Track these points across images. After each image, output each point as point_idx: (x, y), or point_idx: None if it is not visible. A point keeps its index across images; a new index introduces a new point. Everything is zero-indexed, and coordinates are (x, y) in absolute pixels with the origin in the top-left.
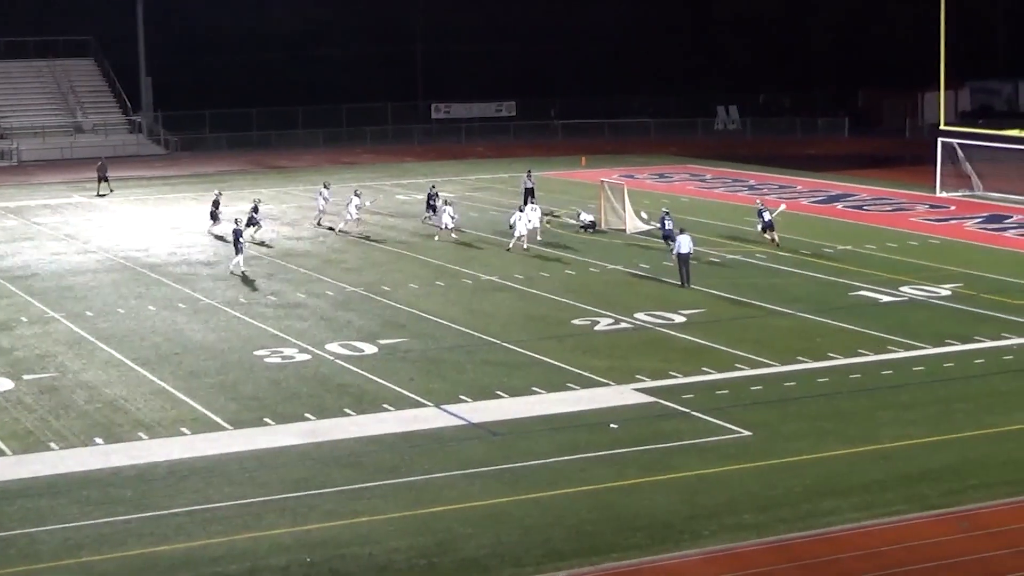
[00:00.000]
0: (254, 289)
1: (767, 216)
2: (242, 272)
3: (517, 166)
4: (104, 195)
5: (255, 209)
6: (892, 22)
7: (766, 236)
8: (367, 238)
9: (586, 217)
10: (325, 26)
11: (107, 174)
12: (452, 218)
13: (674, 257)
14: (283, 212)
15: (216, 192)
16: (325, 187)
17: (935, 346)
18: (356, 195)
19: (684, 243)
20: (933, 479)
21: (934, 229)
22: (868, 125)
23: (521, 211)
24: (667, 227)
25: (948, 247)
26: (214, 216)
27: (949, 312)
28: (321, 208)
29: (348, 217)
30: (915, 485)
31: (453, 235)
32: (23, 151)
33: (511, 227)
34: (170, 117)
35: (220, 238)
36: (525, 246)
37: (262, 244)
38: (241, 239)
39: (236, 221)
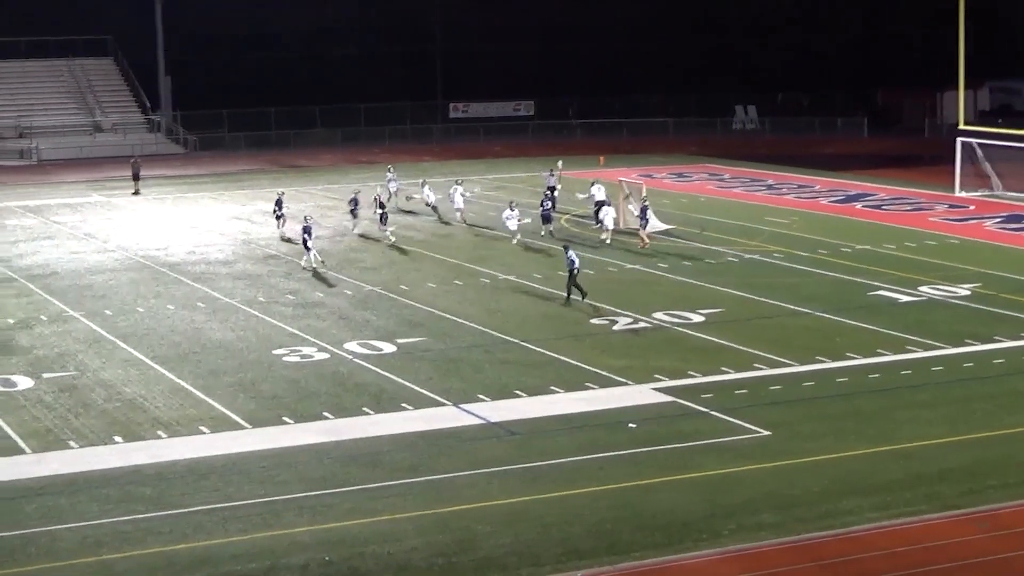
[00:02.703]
0: (330, 285)
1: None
2: (313, 267)
3: (535, 166)
4: (138, 193)
5: (355, 202)
6: (911, 21)
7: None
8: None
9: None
10: (344, 25)
11: (140, 172)
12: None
13: (567, 273)
14: (301, 211)
15: (279, 192)
16: (389, 171)
17: (954, 346)
18: (458, 183)
19: (572, 257)
20: (952, 479)
21: (953, 229)
22: (887, 124)
23: (610, 206)
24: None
25: (967, 247)
26: (279, 217)
27: (968, 312)
28: (393, 191)
29: (459, 207)
30: (934, 485)
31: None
32: (43, 150)
33: (599, 222)
34: (189, 116)
35: (288, 240)
36: (608, 240)
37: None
38: (308, 236)
39: (306, 219)
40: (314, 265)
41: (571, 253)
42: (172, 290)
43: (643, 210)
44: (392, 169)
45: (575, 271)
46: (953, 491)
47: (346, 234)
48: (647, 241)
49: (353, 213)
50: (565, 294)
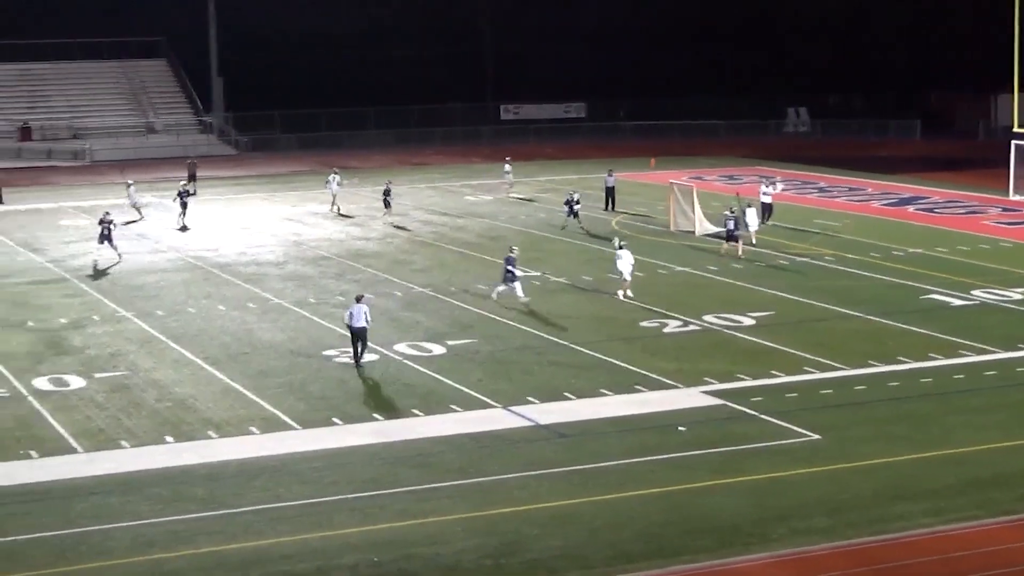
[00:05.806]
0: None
1: (733, 224)
2: (524, 301)
3: (586, 167)
4: (194, 194)
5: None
6: (965, 23)
7: (727, 244)
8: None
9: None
10: (395, 27)
11: (196, 173)
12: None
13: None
14: (351, 212)
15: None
16: (335, 172)
17: (1007, 350)
18: (335, 172)
19: (358, 313)
20: (1006, 484)
21: (1006, 232)
22: (940, 127)
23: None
24: (731, 227)
25: (1021, 250)
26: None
27: (1021, 316)
28: (333, 192)
29: (625, 279)
30: (987, 490)
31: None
32: (96, 151)
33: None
34: (241, 118)
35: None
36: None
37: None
38: (512, 268)
39: (511, 249)
40: (525, 299)
41: (352, 307)
42: (223, 291)
43: (736, 220)
44: (337, 171)
45: (353, 329)
46: (1007, 496)
47: (396, 236)
48: (740, 251)
49: (386, 203)
50: (354, 358)
